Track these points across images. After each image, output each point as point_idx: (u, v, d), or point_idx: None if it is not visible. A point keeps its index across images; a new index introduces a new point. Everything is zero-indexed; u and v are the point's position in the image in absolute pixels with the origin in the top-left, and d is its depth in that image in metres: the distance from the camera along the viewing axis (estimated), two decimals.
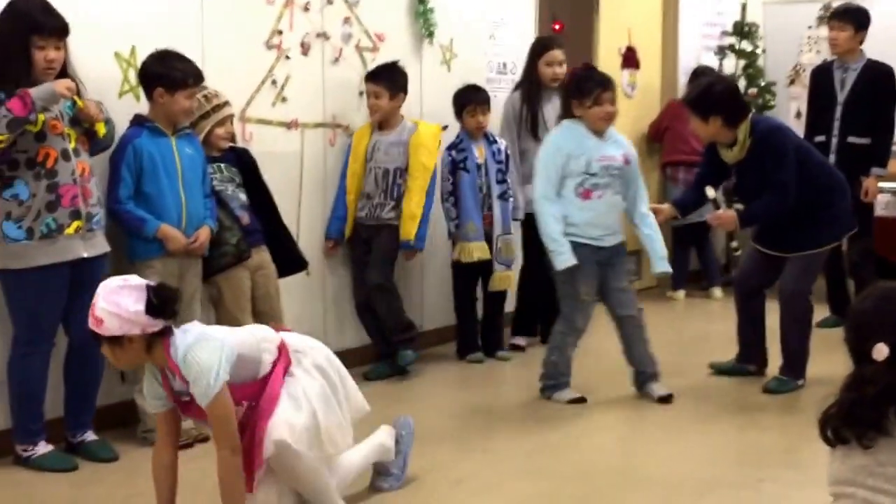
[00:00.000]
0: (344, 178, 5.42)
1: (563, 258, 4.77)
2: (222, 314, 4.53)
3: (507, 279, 5.75)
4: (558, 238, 4.79)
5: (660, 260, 5.01)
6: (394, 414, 4.03)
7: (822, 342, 6.22)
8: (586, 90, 4.80)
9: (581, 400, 4.98)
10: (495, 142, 5.69)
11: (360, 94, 5.52)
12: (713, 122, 4.93)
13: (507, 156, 5.69)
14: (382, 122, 5.38)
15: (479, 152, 5.62)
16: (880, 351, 2.24)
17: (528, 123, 5.77)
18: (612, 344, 5.15)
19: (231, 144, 4.68)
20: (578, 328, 4.95)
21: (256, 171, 4.76)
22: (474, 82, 6.20)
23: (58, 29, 3.89)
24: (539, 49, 5.84)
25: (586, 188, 4.82)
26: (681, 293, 7.73)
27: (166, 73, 4.22)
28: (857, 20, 6.38)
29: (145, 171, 4.23)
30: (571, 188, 4.81)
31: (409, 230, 5.33)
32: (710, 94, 4.96)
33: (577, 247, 4.80)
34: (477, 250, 5.58)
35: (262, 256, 4.69)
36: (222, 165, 4.62)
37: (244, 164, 4.72)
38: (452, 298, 5.86)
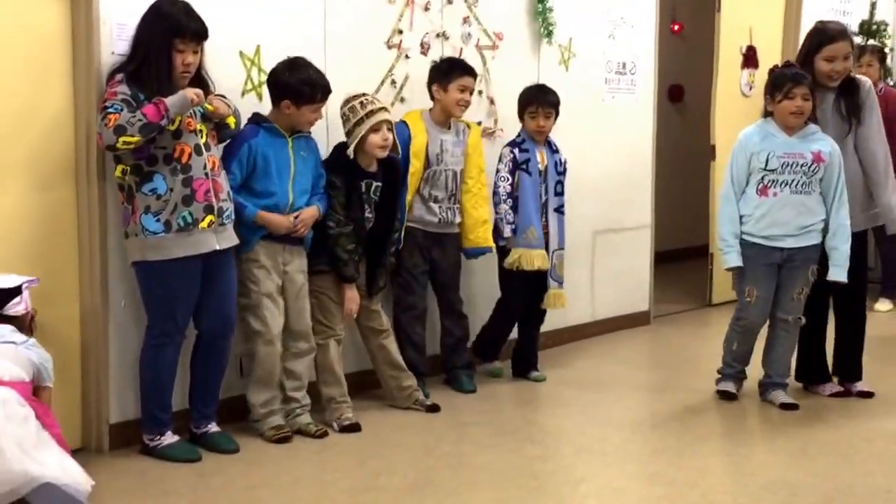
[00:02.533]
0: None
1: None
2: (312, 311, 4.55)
3: (563, 297, 5.36)
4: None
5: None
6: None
7: None
8: (779, 85, 4.73)
9: (731, 396, 4.97)
10: (557, 151, 5.34)
11: (480, 93, 5.49)
12: None
13: (566, 168, 5.36)
14: (443, 119, 5.05)
15: (540, 157, 5.24)
16: None
17: None
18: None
19: (388, 154, 4.59)
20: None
21: (397, 186, 4.71)
22: (592, 82, 6.20)
23: (199, 33, 3.98)
24: None
25: (765, 184, 4.76)
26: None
27: (297, 87, 4.28)
28: None
29: (258, 169, 4.29)
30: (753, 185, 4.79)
31: (485, 236, 5.16)
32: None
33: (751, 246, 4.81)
34: (538, 258, 5.16)
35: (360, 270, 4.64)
36: (373, 185, 4.58)
37: (394, 176, 4.67)
38: (496, 308, 5.39)
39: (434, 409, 4.80)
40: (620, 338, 6.38)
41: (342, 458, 4.21)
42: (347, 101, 4.56)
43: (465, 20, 5.47)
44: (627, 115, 6.50)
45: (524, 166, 5.19)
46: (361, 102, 4.53)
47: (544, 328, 5.63)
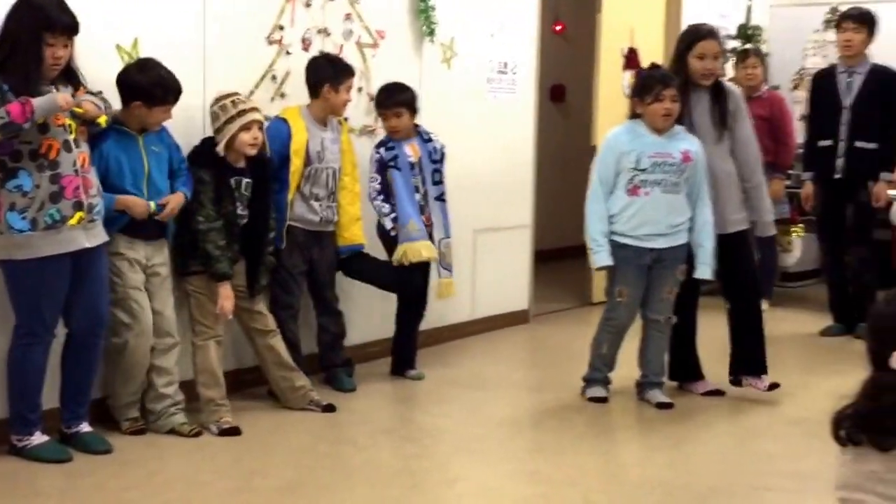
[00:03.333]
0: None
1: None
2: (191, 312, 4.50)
3: (452, 286, 5.38)
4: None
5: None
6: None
7: (826, 350, 6.23)
8: (648, 87, 4.80)
9: (603, 400, 4.99)
10: (430, 140, 5.34)
11: (360, 90, 5.46)
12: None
13: (443, 155, 5.37)
14: (322, 117, 4.99)
15: (412, 150, 5.23)
16: None
17: None
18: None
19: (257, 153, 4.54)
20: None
21: (267, 183, 4.65)
22: (474, 82, 6.22)
23: (70, 27, 3.87)
24: None
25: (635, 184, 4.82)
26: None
27: (148, 88, 4.19)
28: (871, 23, 6.37)
29: (111, 172, 4.20)
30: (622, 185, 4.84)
31: (358, 234, 5.13)
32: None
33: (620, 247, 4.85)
34: (424, 249, 5.15)
35: (239, 272, 4.57)
36: (243, 182, 4.52)
37: (263, 173, 4.62)
38: (398, 308, 5.42)
39: (330, 408, 4.73)
40: (500, 336, 6.43)
41: (217, 458, 4.13)
42: (218, 100, 4.50)
43: (347, 17, 5.43)
44: (509, 114, 6.55)
45: (393, 163, 5.17)
46: (233, 101, 4.48)
47: (423, 326, 5.63)
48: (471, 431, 4.57)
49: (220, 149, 4.44)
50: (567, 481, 3.98)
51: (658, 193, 4.80)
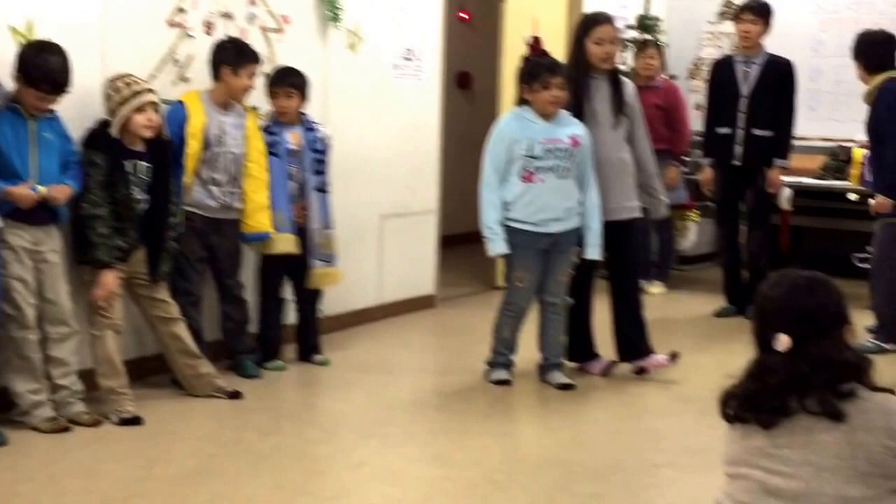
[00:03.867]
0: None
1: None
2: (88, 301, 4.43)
3: (328, 276, 5.32)
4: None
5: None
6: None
7: (719, 331, 6.41)
8: (536, 74, 4.87)
9: (506, 382, 5.04)
10: (314, 129, 5.30)
11: (266, 76, 5.42)
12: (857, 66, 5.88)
13: (327, 145, 5.33)
14: (224, 101, 4.94)
15: (293, 138, 5.18)
16: (783, 342, 2.26)
17: None
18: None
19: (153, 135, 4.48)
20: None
21: (168, 167, 4.59)
22: (380, 68, 6.23)
23: None
24: None
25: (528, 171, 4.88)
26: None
27: (30, 72, 4.08)
28: (768, 15, 6.56)
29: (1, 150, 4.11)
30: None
31: (264, 221, 5.07)
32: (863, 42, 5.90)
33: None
34: (282, 242, 5.10)
35: (138, 258, 4.53)
36: (139, 166, 4.45)
37: (163, 156, 4.55)
38: (294, 295, 5.38)
39: (236, 395, 4.72)
40: (406, 321, 6.47)
41: (117, 448, 4.09)
42: (112, 81, 4.44)
43: (251, 1, 5.39)
44: (414, 100, 6.57)
45: (272, 149, 5.13)
46: (126, 82, 4.42)
47: (330, 311, 5.64)
48: (375, 415, 4.61)
49: (115, 131, 4.37)
50: (470, 462, 4.04)
51: (552, 179, 4.89)
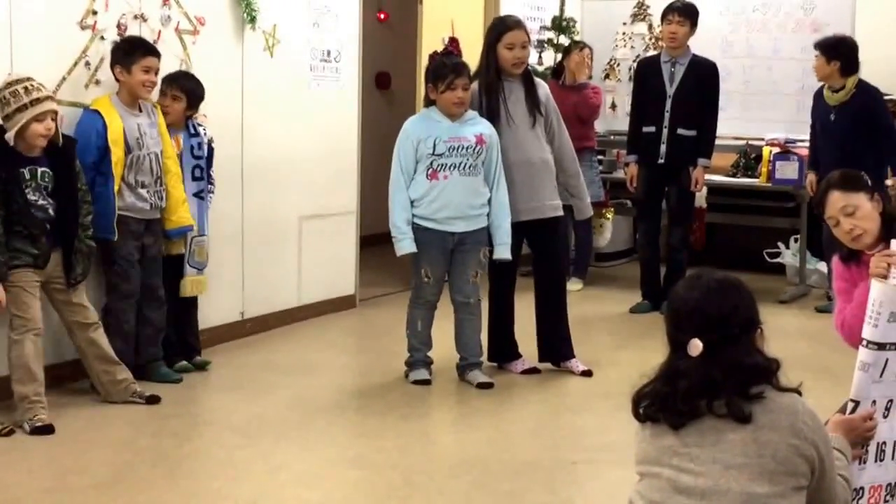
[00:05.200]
0: None
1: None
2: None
3: (200, 283, 5.28)
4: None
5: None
6: None
7: (635, 327, 6.52)
8: (441, 75, 4.91)
9: (426, 382, 5.08)
10: (197, 135, 5.23)
11: None
12: (833, 65, 6.36)
13: (211, 150, 5.30)
14: (131, 101, 4.88)
15: (175, 142, 5.11)
16: (695, 347, 2.31)
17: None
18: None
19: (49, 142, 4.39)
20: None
21: (71, 170, 4.51)
22: (298, 69, 6.21)
23: None
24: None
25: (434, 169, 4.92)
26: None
27: None
28: (695, 16, 6.71)
29: None
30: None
31: (186, 215, 5.07)
32: (839, 45, 6.38)
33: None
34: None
35: (54, 262, 4.46)
36: (38, 171, 4.38)
37: (64, 160, 4.47)
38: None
39: (154, 400, 4.67)
40: (327, 321, 6.46)
41: (30, 457, 4.04)
42: (9, 84, 4.32)
43: (165, 2, 5.34)
44: (333, 102, 6.56)
45: None
46: (26, 88, 4.30)
47: (251, 313, 5.60)
48: (294, 418, 4.61)
49: (10, 137, 4.28)
50: (389, 464, 4.06)
51: (457, 177, 4.93)
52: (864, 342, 2.77)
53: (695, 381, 2.29)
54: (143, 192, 4.88)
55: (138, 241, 4.91)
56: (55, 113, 4.40)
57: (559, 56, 7.86)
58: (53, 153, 4.44)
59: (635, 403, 2.38)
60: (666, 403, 2.32)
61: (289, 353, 5.74)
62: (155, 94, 5.09)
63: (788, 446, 2.25)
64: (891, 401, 2.81)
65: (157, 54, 4.94)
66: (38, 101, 4.30)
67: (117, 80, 4.87)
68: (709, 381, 2.28)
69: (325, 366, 5.54)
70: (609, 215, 7.97)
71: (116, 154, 4.76)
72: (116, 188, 4.77)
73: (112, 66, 4.87)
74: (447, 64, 4.99)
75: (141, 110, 4.92)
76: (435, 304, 5.13)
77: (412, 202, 4.97)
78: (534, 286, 5.36)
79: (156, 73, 4.91)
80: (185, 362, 5.22)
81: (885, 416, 2.80)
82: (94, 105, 4.81)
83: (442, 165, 4.92)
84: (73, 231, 4.51)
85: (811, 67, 6.68)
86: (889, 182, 6.47)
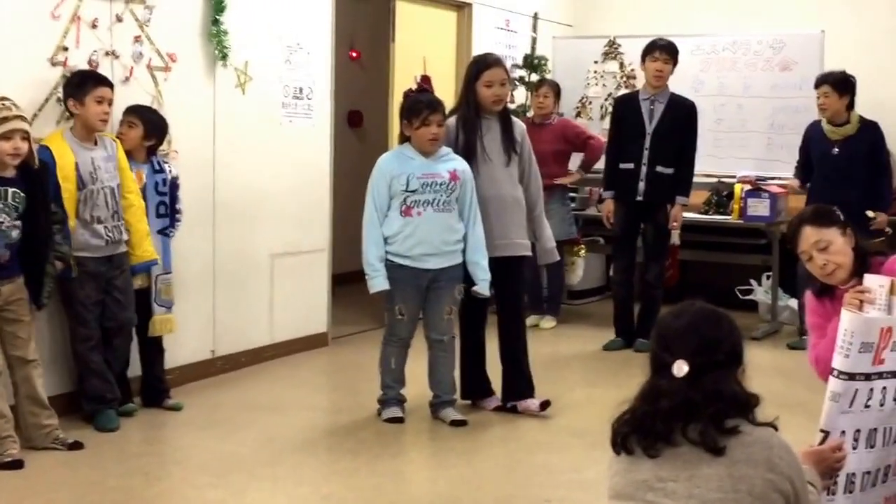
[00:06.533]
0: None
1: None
2: None
3: (168, 322, 5.24)
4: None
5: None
6: None
7: (608, 364, 6.51)
8: (416, 111, 4.92)
9: (399, 420, 5.04)
10: (161, 171, 5.18)
11: None
12: (843, 100, 6.53)
13: (175, 186, 5.24)
14: (86, 135, 4.81)
15: (137, 177, 5.06)
16: (681, 368, 2.31)
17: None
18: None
19: (21, 162, 4.35)
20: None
21: (44, 195, 4.47)
22: (269, 107, 6.21)
23: None
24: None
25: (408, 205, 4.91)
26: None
27: None
28: (677, 55, 6.77)
29: None
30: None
31: (150, 249, 5.04)
32: (850, 80, 6.56)
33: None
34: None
35: (11, 289, 4.39)
36: (9, 192, 4.32)
37: (39, 182, 4.43)
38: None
39: (77, 446, 4.52)
40: (299, 360, 6.42)
41: None
42: None
43: (137, 39, 5.33)
44: (305, 139, 6.56)
45: None
46: None
47: (222, 351, 5.54)
48: (266, 457, 4.55)
49: None
50: (362, 503, 4.01)
51: (431, 213, 4.93)
52: (835, 372, 2.79)
53: (675, 402, 2.29)
54: (98, 227, 4.80)
55: (98, 282, 4.83)
56: (25, 133, 4.35)
57: (530, 94, 7.92)
58: (29, 175, 4.39)
59: (614, 430, 2.37)
60: (643, 423, 2.31)
61: (260, 391, 5.69)
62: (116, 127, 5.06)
63: (764, 481, 2.24)
64: (859, 431, 2.82)
65: (109, 84, 4.88)
66: (5, 119, 4.27)
67: (71, 113, 4.81)
68: (689, 404, 2.28)
69: (297, 404, 5.49)
70: (581, 253, 7.98)
71: (68, 190, 4.68)
72: (72, 225, 4.70)
73: (65, 100, 4.82)
74: (422, 100, 5.01)
75: (97, 144, 4.86)
76: (409, 341, 5.11)
77: (386, 239, 4.96)
78: (497, 324, 5.34)
79: (109, 104, 4.85)
80: (131, 404, 5.08)
81: (853, 448, 2.80)
82: (44, 141, 4.73)
83: (416, 202, 4.92)
84: (44, 254, 4.46)
85: (779, 106, 6.75)
86: (871, 214, 6.52)
